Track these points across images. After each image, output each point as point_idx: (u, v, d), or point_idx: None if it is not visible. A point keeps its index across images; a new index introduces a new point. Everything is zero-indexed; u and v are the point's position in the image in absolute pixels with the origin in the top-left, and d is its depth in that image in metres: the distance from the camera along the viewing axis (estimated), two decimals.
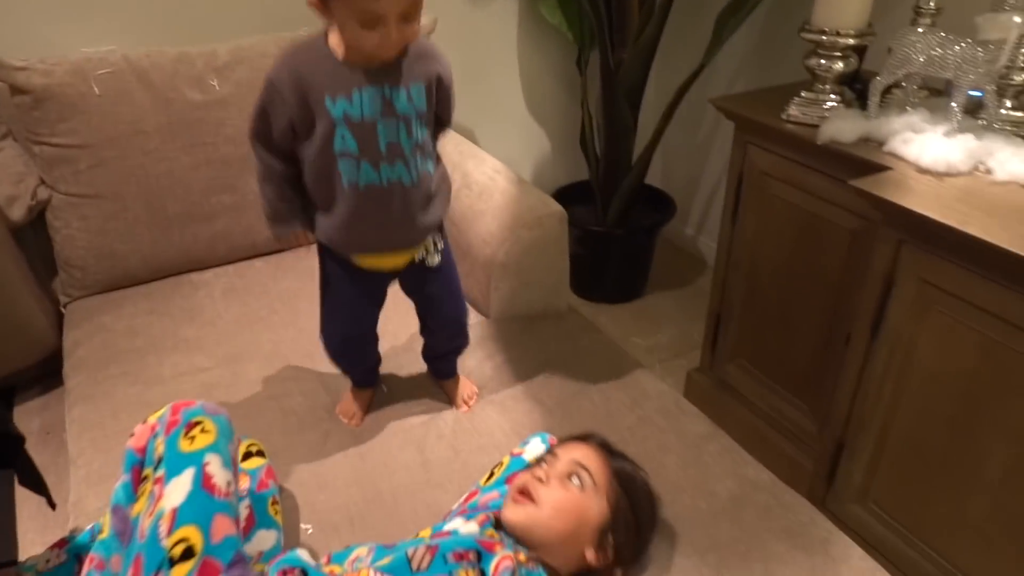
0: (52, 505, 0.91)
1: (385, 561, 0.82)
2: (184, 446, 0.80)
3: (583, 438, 0.97)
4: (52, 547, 0.92)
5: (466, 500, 0.98)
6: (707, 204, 2.43)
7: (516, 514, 0.87)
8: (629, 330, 2.11)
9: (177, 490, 0.76)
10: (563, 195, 2.27)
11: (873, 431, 1.31)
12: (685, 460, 1.08)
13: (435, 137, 1.07)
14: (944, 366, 1.16)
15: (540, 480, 0.88)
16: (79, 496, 1.04)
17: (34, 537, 1.19)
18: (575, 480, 0.88)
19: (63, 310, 1.50)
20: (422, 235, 1.08)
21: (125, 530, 0.81)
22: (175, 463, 0.79)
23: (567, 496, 0.87)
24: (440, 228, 1.13)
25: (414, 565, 0.81)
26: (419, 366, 1.29)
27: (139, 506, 0.79)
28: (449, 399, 1.24)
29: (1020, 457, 1.10)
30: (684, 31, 2.17)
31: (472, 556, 0.82)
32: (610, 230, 2.18)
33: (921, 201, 1.13)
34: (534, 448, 1.03)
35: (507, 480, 0.97)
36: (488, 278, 1.43)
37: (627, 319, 2.18)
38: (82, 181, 1.43)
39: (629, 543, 0.89)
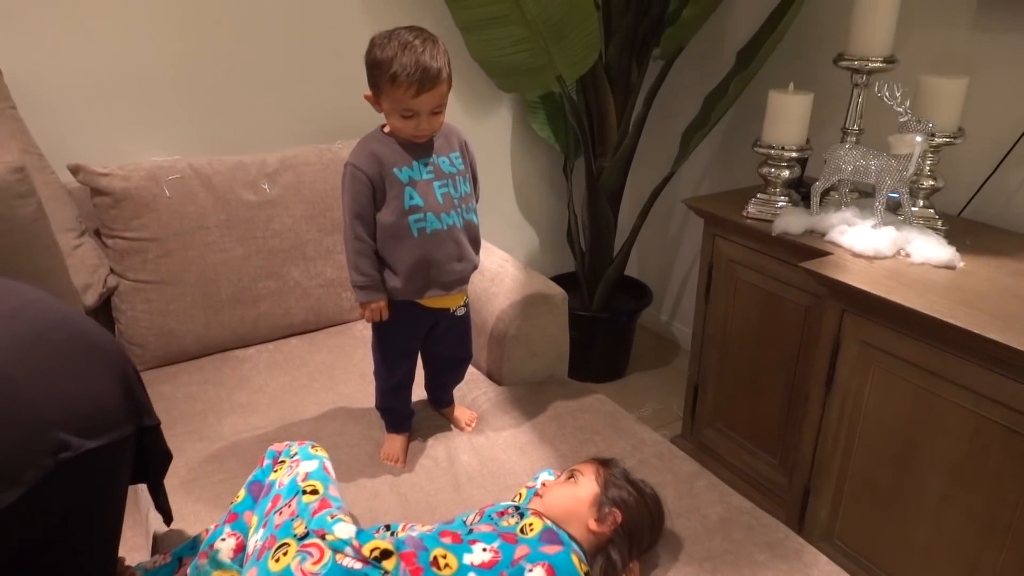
0: (168, 520, 1.11)
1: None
2: (311, 451, 1.17)
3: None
4: (161, 554, 1.13)
5: None
6: (679, 292, 2.71)
7: (535, 503, 1.15)
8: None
9: (309, 466, 1.12)
10: None
11: (833, 473, 1.53)
12: (680, 492, 1.29)
13: (475, 194, 1.39)
14: (885, 411, 1.41)
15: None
16: (166, 531, 1.21)
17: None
18: (572, 477, 1.17)
19: None
20: (471, 270, 1.36)
21: (260, 492, 1.13)
22: (307, 456, 1.15)
23: (565, 485, 1.16)
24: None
25: (468, 523, 1.10)
26: (426, 422, 1.51)
27: (276, 475, 1.12)
28: (454, 424, 1.51)
29: (951, 484, 1.33)
30: (656, 143, 2.53)
31: (511, 511, 1.11)
32: (595, 314, 2.44)
33: (857, 278, 1.41)
34: (543, 479, 1.27)
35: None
36: (501, 350, 1.66)
37: (613, 396, 2.36)
38: (149, 269, 1.64)
39: (627, 503, 1.12)
